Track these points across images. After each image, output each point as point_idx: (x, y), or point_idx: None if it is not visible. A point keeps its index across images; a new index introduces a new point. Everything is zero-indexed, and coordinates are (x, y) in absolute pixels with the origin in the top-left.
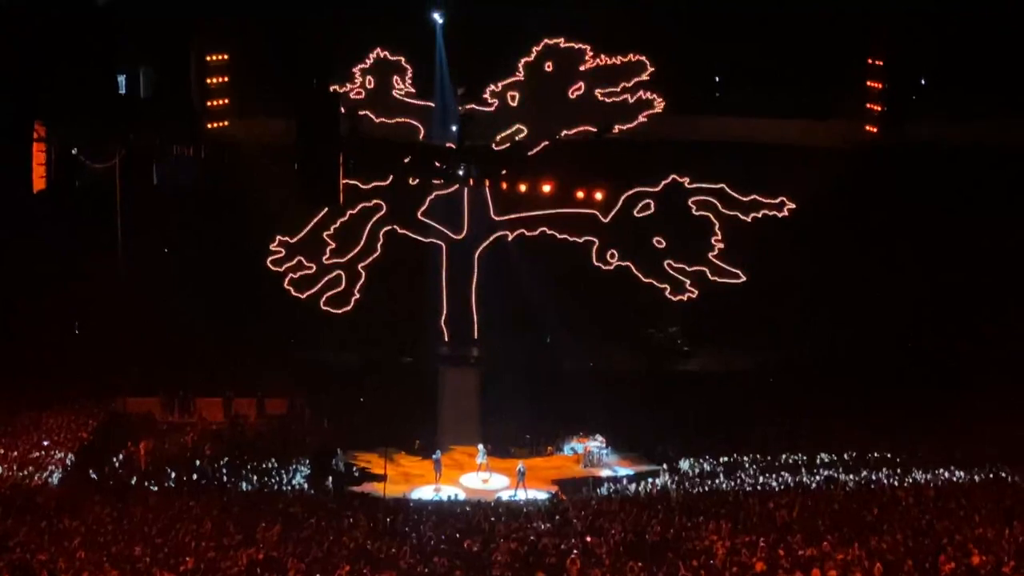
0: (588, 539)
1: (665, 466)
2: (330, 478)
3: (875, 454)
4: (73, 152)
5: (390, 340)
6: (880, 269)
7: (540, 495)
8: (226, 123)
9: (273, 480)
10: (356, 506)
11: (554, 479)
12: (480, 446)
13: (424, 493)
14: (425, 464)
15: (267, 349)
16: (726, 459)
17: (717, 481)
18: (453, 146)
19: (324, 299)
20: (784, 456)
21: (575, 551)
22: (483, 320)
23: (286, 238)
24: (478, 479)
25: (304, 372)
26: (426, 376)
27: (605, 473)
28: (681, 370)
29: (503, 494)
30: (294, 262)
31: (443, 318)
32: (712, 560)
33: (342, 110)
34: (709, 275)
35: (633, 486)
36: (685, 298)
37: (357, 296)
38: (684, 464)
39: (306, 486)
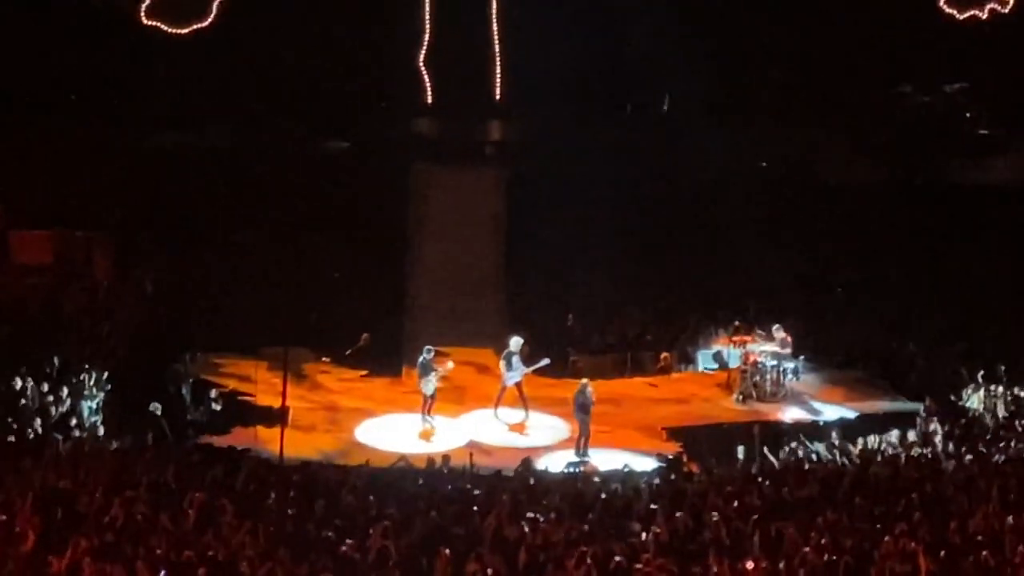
0: (750, 567)
1: (930, 403)
2: (159, 409)
3: None
4: None
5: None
6: None
7: (640, 460)
8: None
9: (28, 410)
10: (217, 482)
11: (668, 427)
12: (513, 343)
13: (378, 438)
14: (382, 384)
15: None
16: None
17: None
18: None
19: None
20: None
21: None
22: (515, 67)
23: None
24: (501, 419)
25: (117, 167)
26: (384, 181)
27: (791, 415)
28: (971, 182)
29: (553, 457)
30: None
31: (422, 57)
32: None
33: None
34: None
35: (859, 444)
36: None
37: None
38: (973, 398)
39: (101, 430)
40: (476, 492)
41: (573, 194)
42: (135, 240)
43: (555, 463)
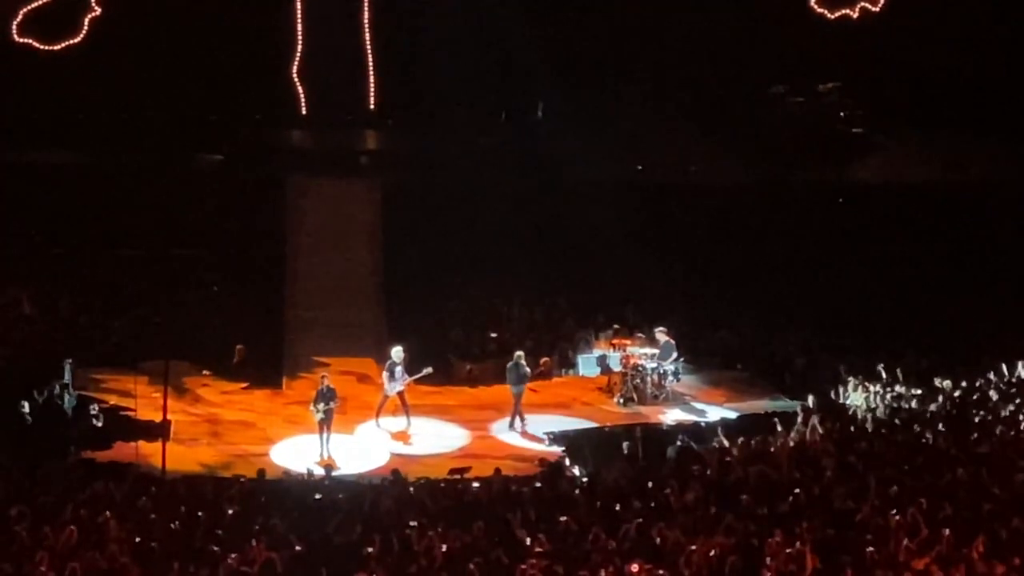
0: (635, 570)
1: (811, 401)
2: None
3: None
4: None
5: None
6: None
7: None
8: None
9: None
10: (101, 496)
11: (550, 432)
12: (394, 353)
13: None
14: (263, 396)
15: None
16: (948, 383)
17: (931, 434)
18: None
19: None
20: None
21: None
22: (389, 76)
23: None
24: (383, 428)
25: None
26: (259, 193)
27: (673, 416)
28: (845, 181)
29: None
30: None
31: (295, 69)
32: None
33: None
34: None
35: (741, 444)
36: None
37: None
38: (854, 395)
39: None
40: (359, 503)
41: (449, 202)
42: (11, 258)
43: (438, 470)
